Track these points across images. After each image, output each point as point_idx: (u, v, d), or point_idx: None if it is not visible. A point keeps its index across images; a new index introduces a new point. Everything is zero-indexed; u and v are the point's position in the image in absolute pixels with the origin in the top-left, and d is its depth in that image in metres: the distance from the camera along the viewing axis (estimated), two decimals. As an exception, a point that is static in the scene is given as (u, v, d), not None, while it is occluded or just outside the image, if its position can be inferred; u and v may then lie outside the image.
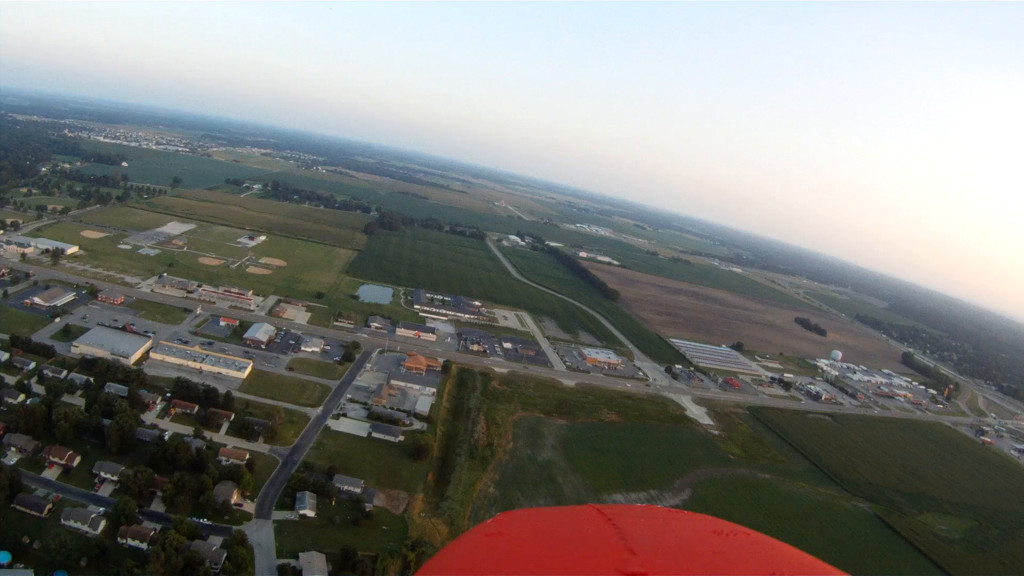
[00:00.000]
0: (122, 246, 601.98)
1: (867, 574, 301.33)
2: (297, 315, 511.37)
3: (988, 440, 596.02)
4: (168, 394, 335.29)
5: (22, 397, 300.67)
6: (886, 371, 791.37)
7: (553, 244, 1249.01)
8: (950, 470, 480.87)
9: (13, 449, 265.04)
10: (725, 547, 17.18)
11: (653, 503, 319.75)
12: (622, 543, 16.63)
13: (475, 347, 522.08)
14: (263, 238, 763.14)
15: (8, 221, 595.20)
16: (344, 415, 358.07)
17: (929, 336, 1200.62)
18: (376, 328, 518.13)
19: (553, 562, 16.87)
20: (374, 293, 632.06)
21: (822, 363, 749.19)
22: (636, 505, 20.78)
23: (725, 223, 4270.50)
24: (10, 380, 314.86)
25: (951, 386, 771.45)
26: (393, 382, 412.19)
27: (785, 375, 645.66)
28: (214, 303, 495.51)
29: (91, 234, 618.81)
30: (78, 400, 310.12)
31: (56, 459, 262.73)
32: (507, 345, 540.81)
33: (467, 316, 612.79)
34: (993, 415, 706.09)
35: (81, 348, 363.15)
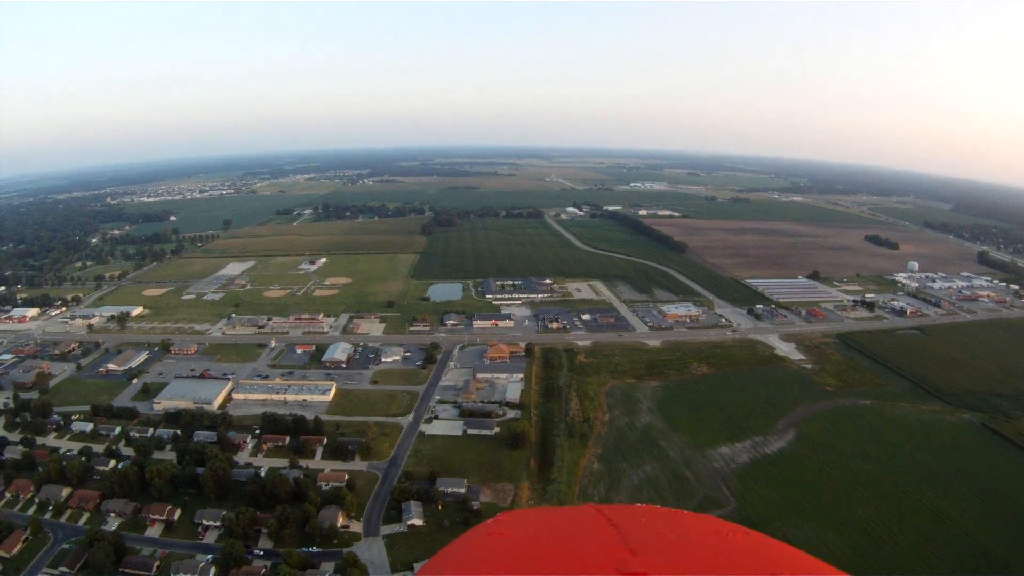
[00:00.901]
0: (185, 297, 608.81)
1: (982, 485, 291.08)
2: (372, 328, 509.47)
3: None
4: (257, 431, 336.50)
5: (113, 463, 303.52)
6: (965, 274, 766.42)
7: (611, 208, 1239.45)
8: None
9: (112, 515, 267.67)
10: (725, 547, 18.26)
11: (758, 449, 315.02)
12: (622, 543, 17.31)
13: (554, 325, 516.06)
14: (324, 260, 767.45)
15: (69, 297, 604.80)
16: (436, 417, 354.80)
17: (1000, 231, 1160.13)
18: (452, 325, 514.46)
19: (553, 562, 17.64)
20: (444, 291, 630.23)
21: (900, 277, 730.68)
22: (636, 505, 22.52)
23: (776, 155, 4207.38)
24: (98, 449, 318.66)
25: None
26: (479, 375, 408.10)
27: (866, 296, 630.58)
28: (287, 333, 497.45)
29: (153, 292, 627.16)
30: (168, 455, 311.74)
31: (157, 516, 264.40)
32: (585, 317, 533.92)
33: (540, 296, 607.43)
34: None
35: (163, 403, 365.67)
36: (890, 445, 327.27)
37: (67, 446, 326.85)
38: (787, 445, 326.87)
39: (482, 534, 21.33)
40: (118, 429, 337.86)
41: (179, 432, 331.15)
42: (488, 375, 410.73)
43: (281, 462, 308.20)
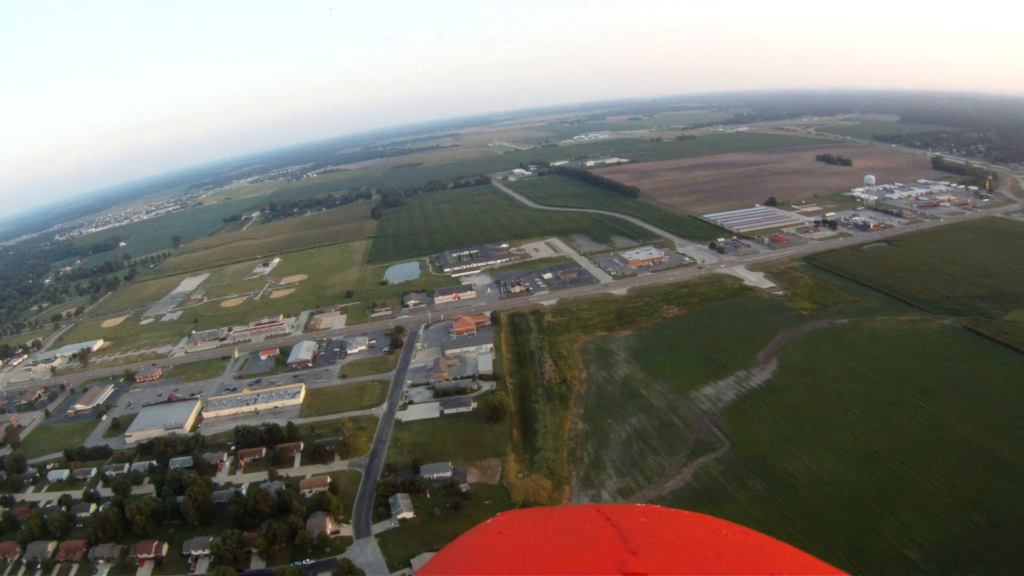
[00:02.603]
0: (144, 321, 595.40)
1: (973, 388, 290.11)
2: (333, 321, 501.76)
3: None
4: (232, 447, 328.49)
5: (94, 507, 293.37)
6: (922, 181, 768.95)
7: (558, 164, 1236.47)
8: (1020, 261, 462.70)
9: (101, 561, 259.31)
10: (725, 547, 18.52)
11: (742, 384, 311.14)
12: (622, 543, 17.52)
13: (517, 289, 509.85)
14: (277, 260, 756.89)
15: (29, 343, 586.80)
16: (411, 403, 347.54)
17: (950, 135, 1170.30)
18: (414, 305, 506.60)
19: (553, 562, 17.97)
20: (401, 272, 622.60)
21: (858, 192, 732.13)
22: (636, 505, 25.37)
23: (718, 89, 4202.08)
24: (77, 495, 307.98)
25: (990, 177, 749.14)
26: (448, 352, 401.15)
27: (827, 215, 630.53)
28: (249, 341, 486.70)
29: (111, 323, 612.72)
30: (148, 488, 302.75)
31: (145, 555, 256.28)
32: (547, 276, 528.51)
33: (499, 261, 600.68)
34: None
35: (135, 436, 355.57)
36: (875, 361, 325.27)
37: (46, 497, 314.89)
38: (771, 376, 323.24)
39: (482, 534, 21.38)
40: (94, 471, 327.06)
41: (155, 463, 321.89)
42: (457, 350, 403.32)
43: (261, 475, 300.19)
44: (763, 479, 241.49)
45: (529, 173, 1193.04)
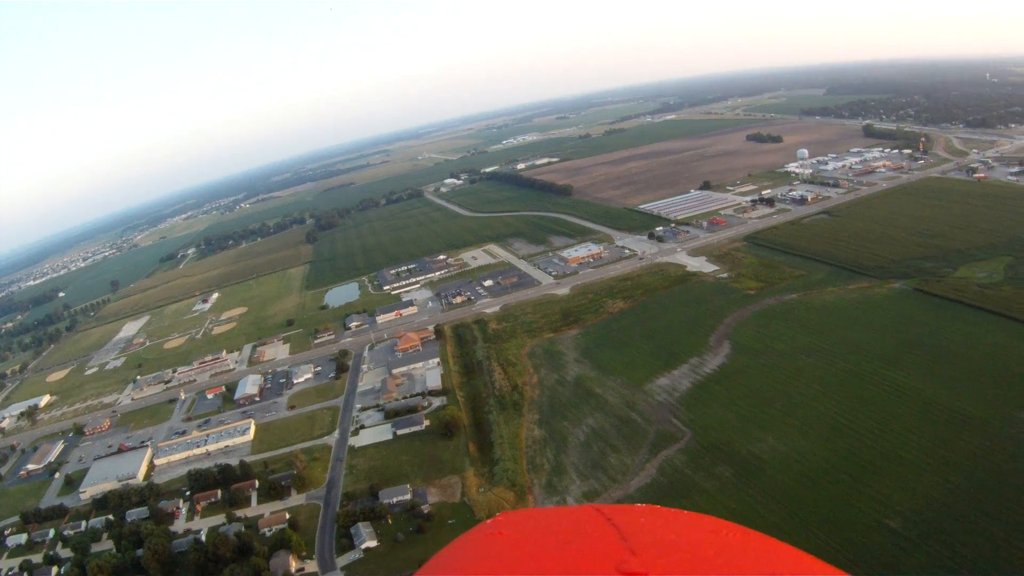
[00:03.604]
0: (89, 372, 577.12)
1: (933, 349, 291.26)
2: (277, 352, 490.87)
3: (982, 176, 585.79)
4: (187, 492, 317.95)
5: (55, 570, 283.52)
6: (855, 150, 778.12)
7: (489, 169, 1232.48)
8: (963, 218, 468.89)
9: None
10: (725, 547, 18.21)
11: (697, 371, 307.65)
12: (622, 543, 17.25)
13: (458, 299, 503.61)
14: (216, 295, 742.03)
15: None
16: (362, 427, 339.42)
17: (878, 103, 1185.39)
18: (357, 327, 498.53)
19: (553, 562, 17.83)
20: (341, 295, 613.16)
21: (792, 167, 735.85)
22: (636, 505, 21.97)
23: (643, 81, 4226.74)
24: (37, 559, 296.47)
25: (923, 139, 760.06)
26: (395, 371, 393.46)
27: (763, 193, 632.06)
28: (195, 380, 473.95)
29: (56, 376, 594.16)
30: (107, 544, 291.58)
31: None
32: (488, 283, 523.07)
33: (438, 273, 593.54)
34: (975, 151, 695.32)
35: (88, 491, 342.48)
36: (829, 333, 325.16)
37: (7, 565, 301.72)
38: (725, 359, 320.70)
39: (482, 534, 21.47)
40: (52, 532, 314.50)
41: (111, 517, 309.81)
42: (404, 368, 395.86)
43: (219, 519, 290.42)
44: (730, 465, 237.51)
45: (461, 182, 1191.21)
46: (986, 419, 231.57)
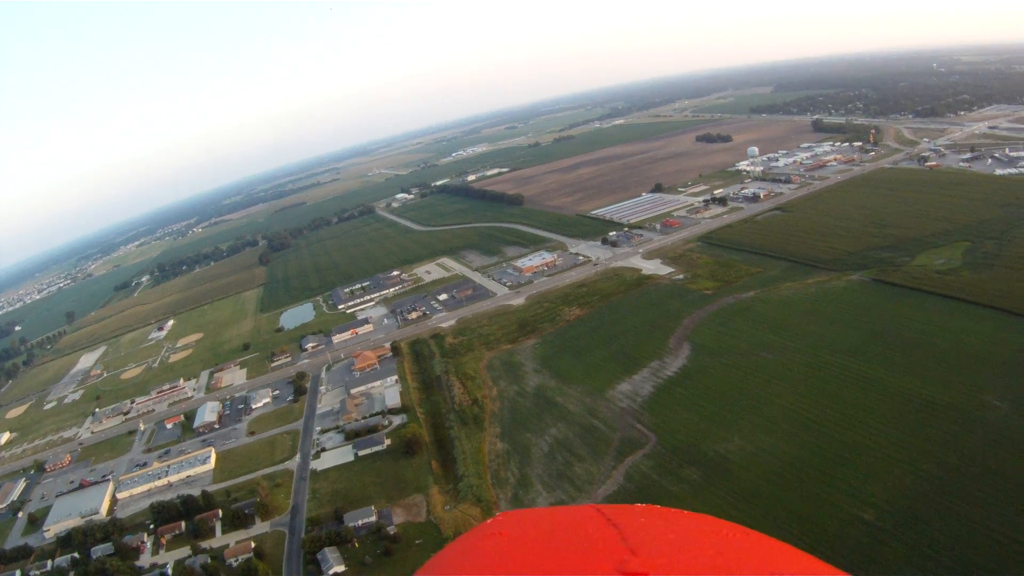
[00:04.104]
0: (47, 406, 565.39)
1: (895, 338, 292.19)
2: (234, 377, 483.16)
3: (934, 164, 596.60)
4: (151, 525, 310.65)
5: None
6: (805, 145, 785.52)
7: (439, 183, 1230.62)
8: (917, 206, 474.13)
9: None
10: (725, 547, 18.20)
11: (658, 375, 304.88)
12: (622, 543, 17.32)
13: (413, 315, 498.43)
14: (171, 322, 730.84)
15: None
16: (323, 450, 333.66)
17: (827, 97, 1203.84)
18: (313, 348, 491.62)
19: (553, 562, 17.89)
20: (296, 316, 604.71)
21: (743, 165, 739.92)
22: (636, 505, 22.67)
23: (591, 87, 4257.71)
24: None
25: (873, 131, 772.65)
26: (353, 391, 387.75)
27: (715, 192, 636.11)
28: (153, 410, 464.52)
29: (14, 412, 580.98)
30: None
31: None
32: (442, 297, 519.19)
33: (392, 290, 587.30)
34: (925, 140, 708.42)
35: (52, 529, 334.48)
36: (789, 328, 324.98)
37: None
38: (686, 361, 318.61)
39: (482, 534, 21.63)
40: (18, 573, 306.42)
41: (76, 555, 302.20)
42: (362, 388, 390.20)
43: (184, 551, 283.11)
44: (697, 467, 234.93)
45: (412, 196, 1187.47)
46: (954, 404, 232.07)
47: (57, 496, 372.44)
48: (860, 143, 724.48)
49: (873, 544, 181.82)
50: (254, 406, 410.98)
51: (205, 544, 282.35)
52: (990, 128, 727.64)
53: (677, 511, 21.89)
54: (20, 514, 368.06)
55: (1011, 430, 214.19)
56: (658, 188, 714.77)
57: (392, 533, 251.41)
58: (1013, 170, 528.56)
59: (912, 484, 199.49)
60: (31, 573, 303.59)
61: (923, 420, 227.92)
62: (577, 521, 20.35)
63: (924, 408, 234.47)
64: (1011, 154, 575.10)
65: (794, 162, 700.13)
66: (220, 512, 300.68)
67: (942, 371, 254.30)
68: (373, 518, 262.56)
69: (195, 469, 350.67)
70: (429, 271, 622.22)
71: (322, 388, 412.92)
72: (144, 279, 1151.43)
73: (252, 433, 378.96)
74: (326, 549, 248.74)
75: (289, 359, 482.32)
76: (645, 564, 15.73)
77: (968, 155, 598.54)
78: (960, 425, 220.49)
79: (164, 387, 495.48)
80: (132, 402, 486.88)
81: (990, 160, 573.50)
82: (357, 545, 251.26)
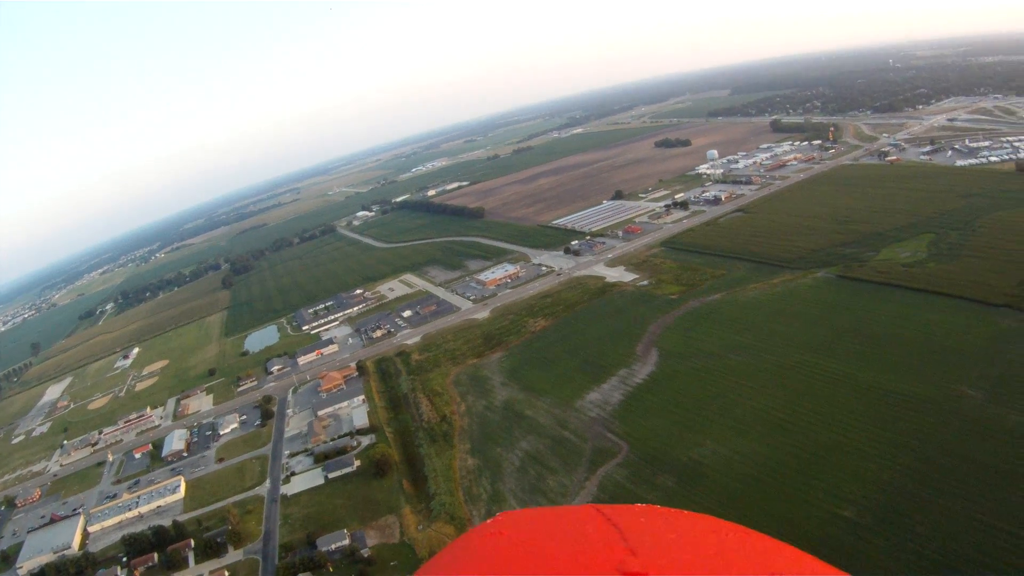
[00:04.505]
0: (16, 440, 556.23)
1: (863, 333, 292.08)
2: (201, 404, 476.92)
3: (895, 158, 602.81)
4: (124, 558, 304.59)
5: None
6: (764, 146, 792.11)
7: (399, 199, 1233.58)
8: (880, 201, 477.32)
9: None
10: (725, 547, 18.11)
11: (627, 383, 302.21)
12: (623, 543, 17.40)
13: (378, 333, 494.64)
14: (136, 350, 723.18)
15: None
16: (293, 474, 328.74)
17: (784, 98, 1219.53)
18: (279, 371, 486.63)
19: (553, 562, 17.97)
20: (260, 339, 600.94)
21: (703, 169, 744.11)
22: (636, 505, 22.10)
23: (548, 98, 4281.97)
24: None
25: (832, 128, 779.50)
26: (320, 413, 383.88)
27: (676, 197, 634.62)
28: (121, 440, 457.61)
29: None
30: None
31: None
32: (406, 314, 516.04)
33: (356, 309, 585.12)
34: (885, 135, 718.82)
35: (25, 566, 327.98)
36: (756, 329, 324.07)
37: None
38: (654, 367, 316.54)
39: (482, 534, 21.61)
40: None
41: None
42: (330, 409, 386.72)
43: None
44: (671, 474, 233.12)
45: (373, 214, 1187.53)
46: (927, 397, 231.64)
47: (28, 532, 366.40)
48: (819, 141, 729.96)
49: (855, 542, 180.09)
50: (222, 432, 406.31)
51: (178, 575, 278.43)
52: (949, 120, 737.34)
53: (677, 511, 21.60)
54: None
55: (987, 419, 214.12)
56: (619, 195, 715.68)
57: (366, 556, 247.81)
58: (974, 160, 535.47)
59: (891, 479, 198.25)
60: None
61: (898, 414, 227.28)
62: (577, 521, 20.30)
63: (898, 402, 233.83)
64: (971, 145, 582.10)
65: (754, 163, 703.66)
66: (192, 542, 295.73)
67: (914, 364, 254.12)
68: (346, 541, 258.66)
69: (165, 499, 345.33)
70: (392, 288, 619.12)
71: (289, 411, 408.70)
72: (108, 307, 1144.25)
73: (221, 460, 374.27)
74: (300, 575, 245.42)
75: (255, 383, 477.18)
76: (645, 564, 15.85)
77: (928, 148, 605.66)
78: (935, 417, 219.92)
79: (131, 416, 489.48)
80: (100, 433, 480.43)
81: (950, 152, 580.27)
82: (332, 570, 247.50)
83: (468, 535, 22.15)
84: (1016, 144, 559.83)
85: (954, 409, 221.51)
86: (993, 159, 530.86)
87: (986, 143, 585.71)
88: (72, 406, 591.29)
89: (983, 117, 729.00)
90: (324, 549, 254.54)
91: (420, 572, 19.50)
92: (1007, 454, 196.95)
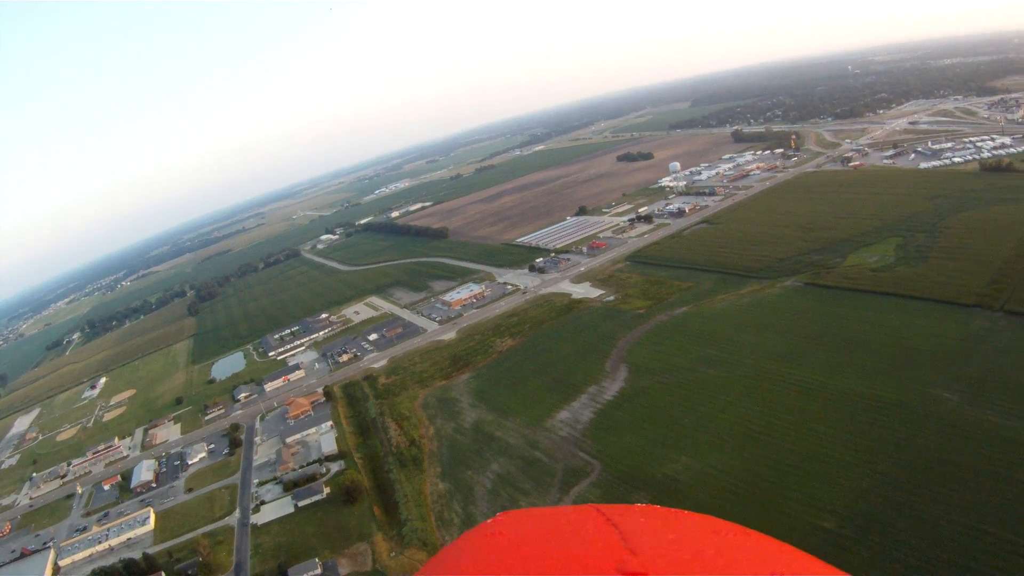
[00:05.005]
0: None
1: (836, 339, 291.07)
2: (169, 433, 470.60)
3: (858, 163, 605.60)
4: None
5: None
6: (727, 156, 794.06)
7: (363, 221, 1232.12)
8: (845, 207, 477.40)
9: None
10: (725, 547, 18.00)
11: (597, 400, 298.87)
12: (622, 543, 17.35)
13: (344, 357, 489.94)
14: (104, 380, 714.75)
15: None
16: (263, 503, 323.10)
17: (744, 107, 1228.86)
18: (246, 398, 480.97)
19: (553, 562, 17.86)
20: (227, 366, 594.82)
21: (665, 182, 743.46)
22: (636, 505, 21.09)
23: (510, 115, 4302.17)
24: None
25: (793, 136, 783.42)
26: (289, 440, 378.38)
27: (640, 211, 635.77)
28: (90, 472, 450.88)
29: None
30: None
31: None
32: (372, 337, 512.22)
33: (322, 333, 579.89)
34: (847, 141, 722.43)
35: None
36: (726, 341, 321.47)
37: None
38: (624, 383, 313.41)
39: (482, 534, 21.01)
40: None
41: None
42: (298, 436, 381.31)
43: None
44: (646, 491, 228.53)
45: (337, 237, 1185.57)
46: (903, 402, 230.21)
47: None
48: (782, 150, 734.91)
49: (837, 552, 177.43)
50: (190, 462, 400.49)
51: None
52: (911, 124, 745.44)
53: (677, 511, 20.87)
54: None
55: (964, 421, 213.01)
56: (582, 211, 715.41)
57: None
58: (937, 162, 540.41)
59: (870, 487, 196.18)
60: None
61: (874, 420, 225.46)
62: (577, 521, 19.48)
63: (873, 408, 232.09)
64: (934, 147, 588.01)
65: (717, 174, 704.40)
66: (163, 574, 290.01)
67: (887, 369, 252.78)
68: (318, 571, 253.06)
69: (135, 531, 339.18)
70: (358, 311, 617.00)
71: (257, 439, 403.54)
72: (75, 336, 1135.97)
73: (190, 490, 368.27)
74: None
75: (223, 411, 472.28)
76: (645, 564, 15.83)
77: (891, 152, 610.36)
78: (912, 422, 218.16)
79: (99, 447, 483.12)
80: (69, 464, 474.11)
81: (913, 155, 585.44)
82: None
83: (468, 535, 21.34)
84: (979, 144, 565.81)
85: (930, 412, 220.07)
86: (957, 160, 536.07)
87: (949, 144, 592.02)
88: (41, 438, 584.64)
89: (945, 119, 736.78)
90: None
91: (420, 573, 19.40)
92: (987, 456, 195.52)
